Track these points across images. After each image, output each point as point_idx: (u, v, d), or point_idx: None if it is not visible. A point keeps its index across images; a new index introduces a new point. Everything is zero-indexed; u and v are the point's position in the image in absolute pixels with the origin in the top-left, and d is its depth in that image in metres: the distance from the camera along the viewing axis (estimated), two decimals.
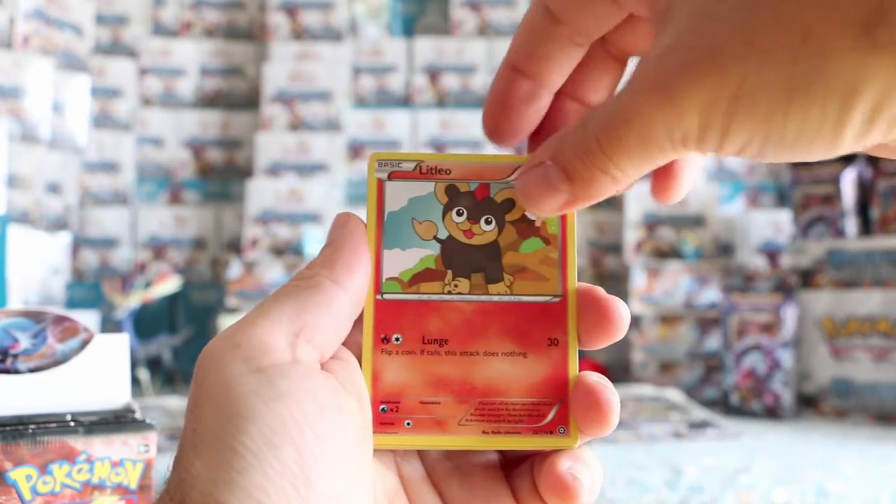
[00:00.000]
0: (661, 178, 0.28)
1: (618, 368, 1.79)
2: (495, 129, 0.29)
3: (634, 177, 0.25)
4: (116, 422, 0.39)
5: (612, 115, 0.24)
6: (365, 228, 0.28)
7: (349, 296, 0.26)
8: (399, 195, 0.29)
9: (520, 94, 0.29)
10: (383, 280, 0.28)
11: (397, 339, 0.28)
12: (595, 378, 0.27)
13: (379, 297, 0.28)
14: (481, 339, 0.28)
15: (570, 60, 0.29)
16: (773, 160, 0.23)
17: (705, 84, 0.22)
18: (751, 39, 0.21)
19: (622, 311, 0.27)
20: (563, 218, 0.29)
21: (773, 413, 1.41)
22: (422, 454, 0.28)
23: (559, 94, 0.30)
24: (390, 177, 0.29)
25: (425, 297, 0.28)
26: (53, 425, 0.37)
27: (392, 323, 0.28)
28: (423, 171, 0.29)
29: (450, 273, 0.28)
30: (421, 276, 0.28)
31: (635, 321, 1.72)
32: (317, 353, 0.25)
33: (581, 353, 0.28)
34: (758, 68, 0.21)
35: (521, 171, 0.27)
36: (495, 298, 0.28)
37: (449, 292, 0.28)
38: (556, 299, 0.28)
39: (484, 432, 0.27)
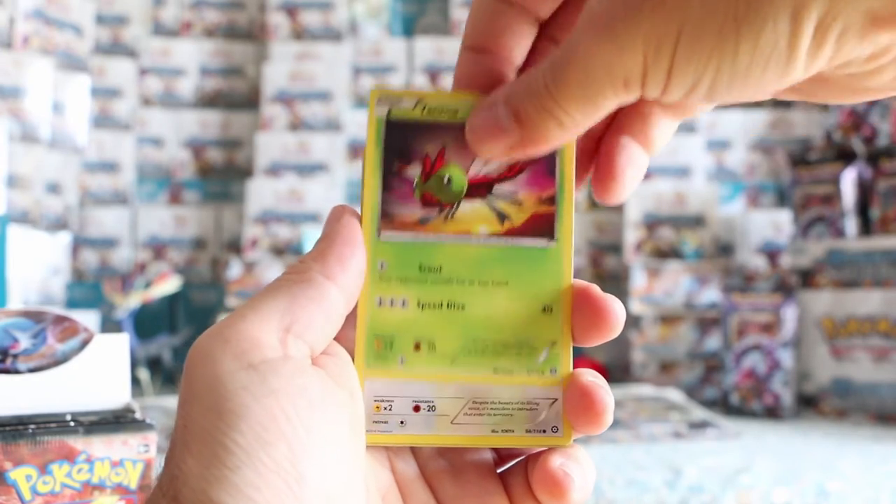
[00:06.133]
0: (603, 174, 0.28)
1: (618, 368, 1.79)
2: None
3: (582, 123, 0.24)
4: (116, 422, 0.39)
5: (558, 57, 0.24)
6: (360, 222, 0.27)
7: (342, 291, 0.26)
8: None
9: (483, 73, 0.28)
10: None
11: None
12: (589, 377, 0.27)
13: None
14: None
15: (524, 37, 0.28)
16: (721, 99, 0.23)
17: (647, 20, 0.21)
18: None
19: (617, 310, 0.27)
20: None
21: (773, 413, 1.41)
22: (415, 451, 0.28)
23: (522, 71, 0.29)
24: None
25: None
26: (53, 425, 0.37)
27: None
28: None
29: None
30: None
31: (635, 321, 1.72)
32: (307, 348, 0.25)
33: (581, 352, 0.28)
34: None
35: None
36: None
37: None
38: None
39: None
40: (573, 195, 0.28)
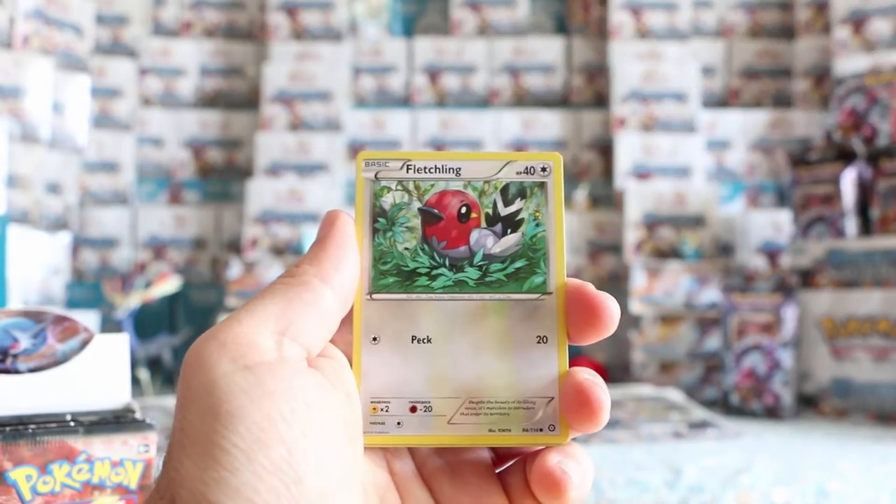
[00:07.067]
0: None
1: (618, 368, 1.79)
2: None
3: None
4: (116, 422, 0.39)
5: None
6: (354, 226, 0.28)
7: (336, 293, 0.26)
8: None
9: None
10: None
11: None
12: (585, 375, 0.27)
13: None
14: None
15: None
16: None
17: None
18: None
19: (611, 307, 0.27)
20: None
21: (773, 413, 1.41)
22: (412, 451, 0.28)
23: None
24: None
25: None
26: (53, 425, 0.37)
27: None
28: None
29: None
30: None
31: (635, 321, 1.72)
32: (303, 350, 0.25)
33: (580, 353, 0.28)
34: None
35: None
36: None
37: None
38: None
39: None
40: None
